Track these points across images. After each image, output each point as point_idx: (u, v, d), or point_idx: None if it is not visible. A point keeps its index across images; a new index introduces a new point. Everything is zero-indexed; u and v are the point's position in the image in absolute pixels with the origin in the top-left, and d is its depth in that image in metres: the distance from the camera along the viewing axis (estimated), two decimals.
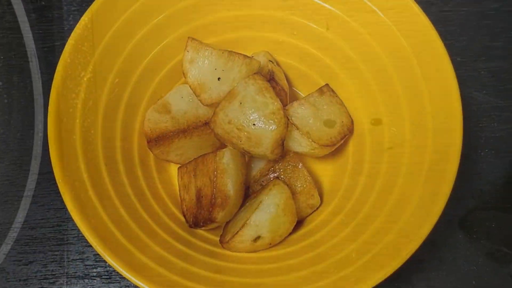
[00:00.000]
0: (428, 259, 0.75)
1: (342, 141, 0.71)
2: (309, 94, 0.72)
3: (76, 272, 0.74)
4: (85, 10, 0.65)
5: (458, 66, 0.62)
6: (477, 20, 0.90)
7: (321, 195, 0.72)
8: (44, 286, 0.73)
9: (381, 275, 0.53)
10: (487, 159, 0.80)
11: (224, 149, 0.66)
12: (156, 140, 0.69)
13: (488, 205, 0.78)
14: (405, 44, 0.66)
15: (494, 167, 0.80)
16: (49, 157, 0.58)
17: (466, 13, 0.90)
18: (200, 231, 0.69)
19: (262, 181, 0.71)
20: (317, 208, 0.71)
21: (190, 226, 0.67)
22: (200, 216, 0.65)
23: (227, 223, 0.69)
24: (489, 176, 0.79)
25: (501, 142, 0.81)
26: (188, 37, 0.69)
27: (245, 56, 0.68)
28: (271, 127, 0.64)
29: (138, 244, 0.59)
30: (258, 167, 0.72)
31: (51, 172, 0.58)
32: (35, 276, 0.74)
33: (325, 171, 0.76)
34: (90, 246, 0.55)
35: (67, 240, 0.76)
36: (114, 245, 0.57)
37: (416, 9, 0.64)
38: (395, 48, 0.67)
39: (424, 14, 0.64)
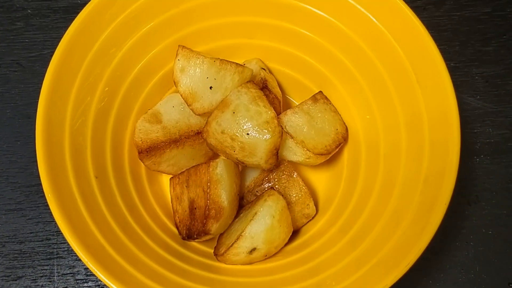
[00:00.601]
0: (424, 267, 0.74)
1: (337, 149, 0.70)
2: (302, 102, 0.71)
3: (66, 287, 0.72)
4: (73, 18, 0.64)
5: (451, 72, 0.61)
6: (469, 25, 0.90)
7: (316, 205, 0.71)
8: None
9: None
10: (483, 165, 0.80)
11: (217, 159, 0.64)
12: (147, 151, 0.68)
13: (485, 211, 0.77)
14: (399, 50, 0.65)
15: (490, 173, 0.79)
16: (38, 169, 0.57)
17: (458, 18, 0.90)
18: (193, 243, 0.67)
19: (257, 191, 0.70)
20: (312, 218, 0.70)
21: (183, 238, 0.66)
22: (194, 228, 0.64)
23: (221, 234, 0.67)
24: (485, 182, 0.79)
25: (496, 148, 0.81)
26: (179, 45, 0.68)
27: (238, 65, 0.67)
28: (265, 137, 0.63)
29: (130, 258, 0.57)
30: (252, 177, 0.71)
31: (39, 184, 0.57)
32: None
33: (320, 180, 0.75)
34: (81, 260, 0.53)
35: (57, 254, 0.74)
36: (105, 259, 0.55)
37: (410, 14, 0.63)
38: (389, 54, 0.66)
39: (418, 19, 0.63)
